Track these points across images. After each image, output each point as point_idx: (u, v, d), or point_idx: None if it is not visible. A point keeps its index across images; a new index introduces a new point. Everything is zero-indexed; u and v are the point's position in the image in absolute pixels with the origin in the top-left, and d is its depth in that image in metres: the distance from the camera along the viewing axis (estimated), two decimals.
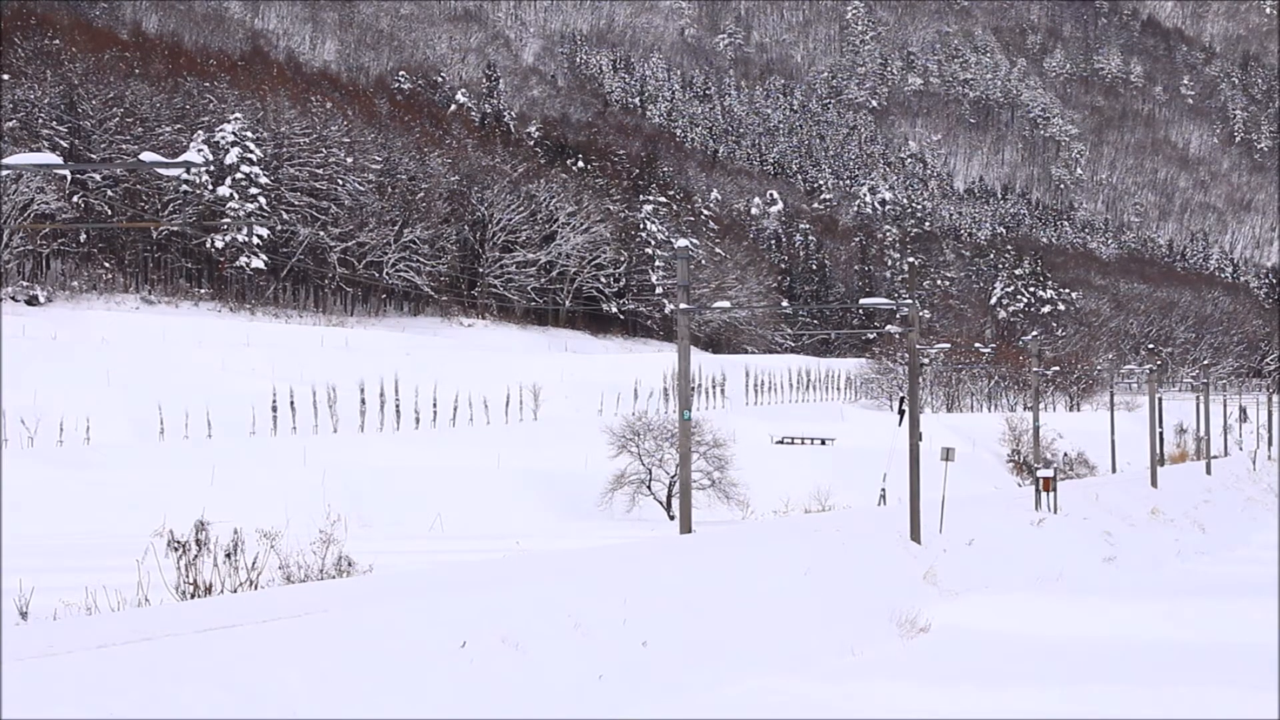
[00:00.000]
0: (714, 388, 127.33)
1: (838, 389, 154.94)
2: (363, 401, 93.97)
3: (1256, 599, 43.17)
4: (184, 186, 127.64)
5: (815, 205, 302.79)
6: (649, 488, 72.53)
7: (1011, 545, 53.04)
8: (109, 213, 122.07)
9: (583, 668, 25.68)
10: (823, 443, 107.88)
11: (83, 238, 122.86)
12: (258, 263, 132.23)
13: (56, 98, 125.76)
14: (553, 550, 43.71)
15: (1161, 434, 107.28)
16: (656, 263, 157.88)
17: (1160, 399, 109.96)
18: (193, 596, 31.77)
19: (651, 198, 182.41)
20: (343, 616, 26.28)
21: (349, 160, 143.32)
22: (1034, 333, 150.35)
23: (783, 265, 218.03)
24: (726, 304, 45.49)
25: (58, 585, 30.79)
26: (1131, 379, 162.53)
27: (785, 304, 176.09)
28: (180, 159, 25.40)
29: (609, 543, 47.44)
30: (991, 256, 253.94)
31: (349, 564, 35.68)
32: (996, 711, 27.60)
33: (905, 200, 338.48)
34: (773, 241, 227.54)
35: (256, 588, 32.25)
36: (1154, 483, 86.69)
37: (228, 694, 19.75)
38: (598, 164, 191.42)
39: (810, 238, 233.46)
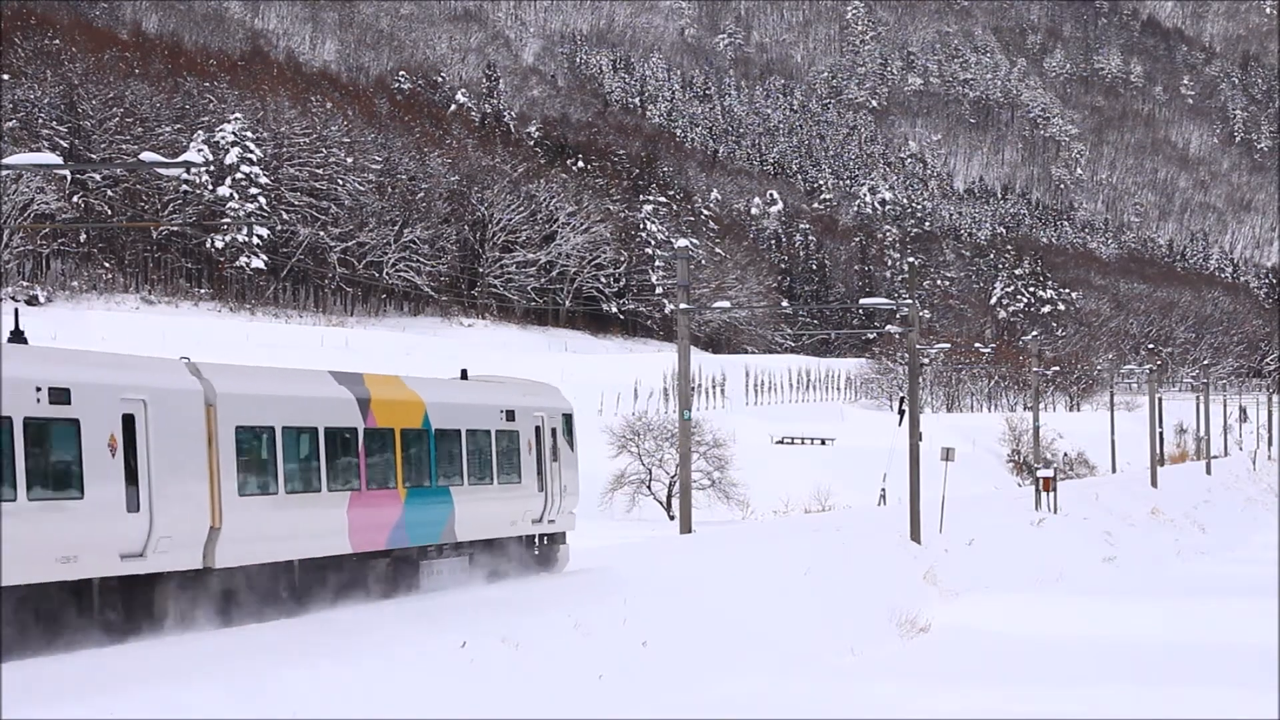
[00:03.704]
0: (714, 388, 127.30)
1: (838, 389, 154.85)
2: None
3: (1256, 599, 43.17)
4: (184, 186, 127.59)
5: (815, 205, 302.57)
6: (649, 488, 72.52)
7: (1011, 545, 53.04)
8: (109, 213, 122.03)
9: (583, 668, 25.67)
10: (823, 443, 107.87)
11: (83, 238, 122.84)
12: (258, 263, 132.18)
13: (56, 98, 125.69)
14: None
15: (1161, 434, 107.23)
16: (656, 263, 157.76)
17: (1160, 399, 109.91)
18: None
19: (651, 198, 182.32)
20: (342, 616, 26.28)
21: (349, 160, 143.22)
22: (1034, 333, 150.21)
23: (783, 265, 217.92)
24: (726, 304, 45.81)
25: None
26: (1131, 379, 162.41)
27: (785, 304, 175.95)
28: (180, 159, 25.38)
29: (609, 543, 47.43)
30: (991, 256, 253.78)
31: None
32: (997, 711, 27.59)
33: (905, 200, 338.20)
34: (773, 241, 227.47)
35: None
36: (1154, 483, 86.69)
37: (229, 693, 19.76)
38: (598, 164, 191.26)
39: (810, 238, 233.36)
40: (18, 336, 23.55)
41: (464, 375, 34.62)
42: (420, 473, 29.93)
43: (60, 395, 21.90)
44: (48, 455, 21.71)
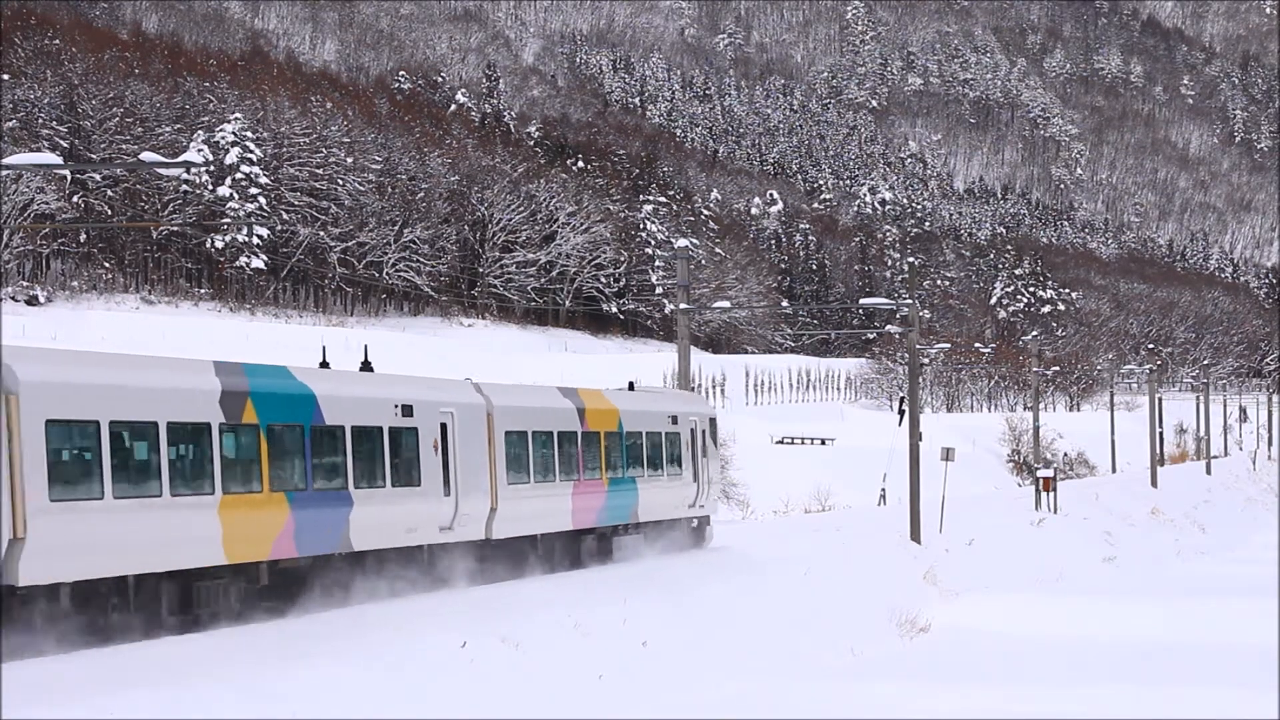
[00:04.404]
0: (714, 388, 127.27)
1: (838, 389, 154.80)
2: None
3: (1256, 599, 43.15)
4: (184, 186, 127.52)
5: (815, 205, 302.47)
6: None
7: (1011, 545, 53.02)
8: (109, 213, 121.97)
9: (583, 668, 25.67)
10: (823, 443, 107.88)
11: (83, 238, 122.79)
12: (258, 263, 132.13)
13: (56, 98, 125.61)
14: None
15: (1161, 434, 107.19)
16: (656, 263, 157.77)
17: (1160, 399, 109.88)
18: None
19: (651, 198, 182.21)
20: (343, 616, 26.28)
21: (349, 160, 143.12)
22: (1034, 333, 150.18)
23: (783, 265, 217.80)
24: (726, 304, 47.55)
25: None
26: (1131, 379, 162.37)
27: (785, 304, 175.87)
28: (180, 159, 25.36)
29: None
30: (991, 256, 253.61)
31: None
32: (997, 711, 27.60)
33: (905, 200, 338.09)
34: (773, 241, 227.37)
35: None
36: (1154, 483, 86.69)
37: (229, 693, 19.76)
38: (598, 164, 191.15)
39: (810, 238, 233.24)
40: (367, 366, 31.41)
41: (631, 387, 41.39)
42: (617, 466, 37.47)
43: (408, 410, 29.70)
44: (401, 454, 29.43)
